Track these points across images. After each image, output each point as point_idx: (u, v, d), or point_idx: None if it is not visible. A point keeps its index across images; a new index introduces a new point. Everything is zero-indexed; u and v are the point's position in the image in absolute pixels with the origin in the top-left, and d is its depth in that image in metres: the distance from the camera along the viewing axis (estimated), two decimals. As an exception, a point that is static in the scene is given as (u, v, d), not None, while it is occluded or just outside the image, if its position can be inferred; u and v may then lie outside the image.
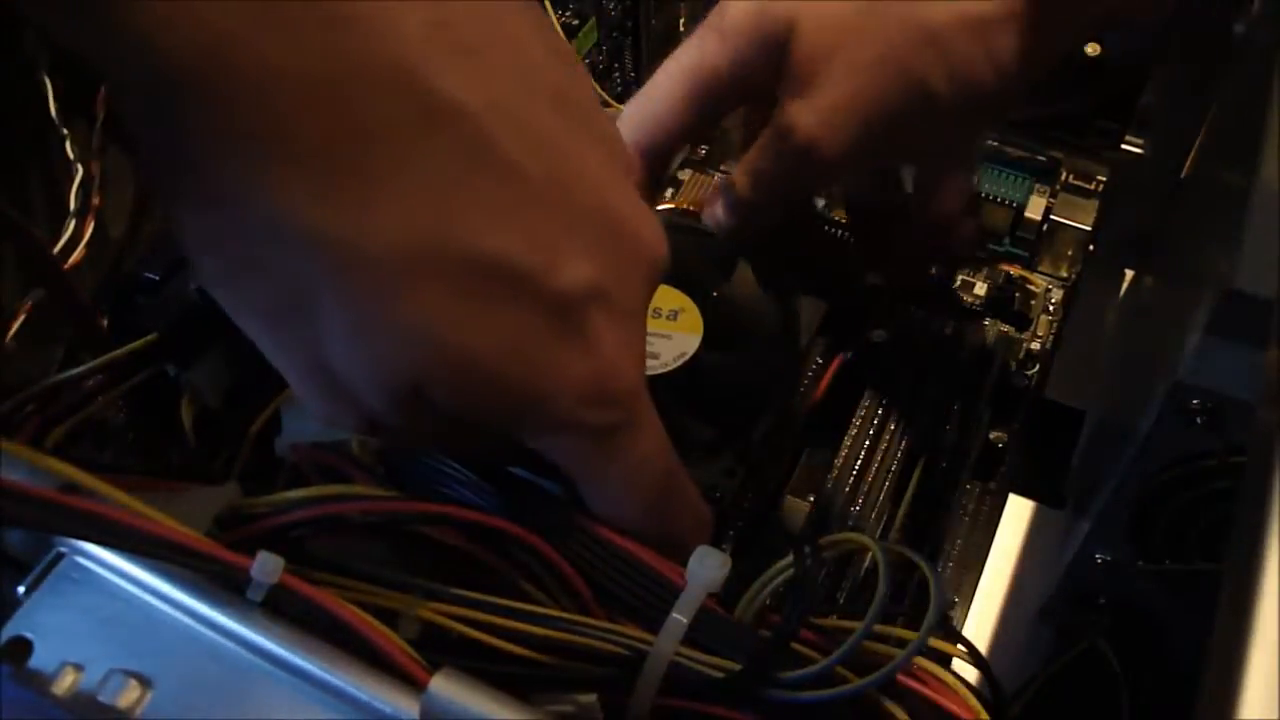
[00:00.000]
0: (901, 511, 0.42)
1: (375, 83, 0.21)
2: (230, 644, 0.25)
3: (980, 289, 0.49)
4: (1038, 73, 0.35)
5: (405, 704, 0.24)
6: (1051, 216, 0.50)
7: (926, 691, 0.26)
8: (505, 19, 0.24)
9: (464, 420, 0.25)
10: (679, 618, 0.26)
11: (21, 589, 0.26)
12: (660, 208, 0.47)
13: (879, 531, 0.41)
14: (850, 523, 0.41)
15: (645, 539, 0.28)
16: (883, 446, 0.43)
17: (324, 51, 0.21)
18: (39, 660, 0.25)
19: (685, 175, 0.52)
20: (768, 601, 0.29)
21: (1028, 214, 0.50)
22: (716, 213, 0.39)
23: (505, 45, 0.24)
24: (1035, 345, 0.48)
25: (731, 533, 0.37)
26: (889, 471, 0.43)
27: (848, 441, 0.43)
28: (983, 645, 0.40)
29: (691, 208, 0.48)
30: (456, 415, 0.25)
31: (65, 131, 0.39)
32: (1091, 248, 0.50)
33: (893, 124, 0.34)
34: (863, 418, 0.44)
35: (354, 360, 0.24)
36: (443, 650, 0.26)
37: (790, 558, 0.28)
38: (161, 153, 0.23)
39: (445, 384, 0.24)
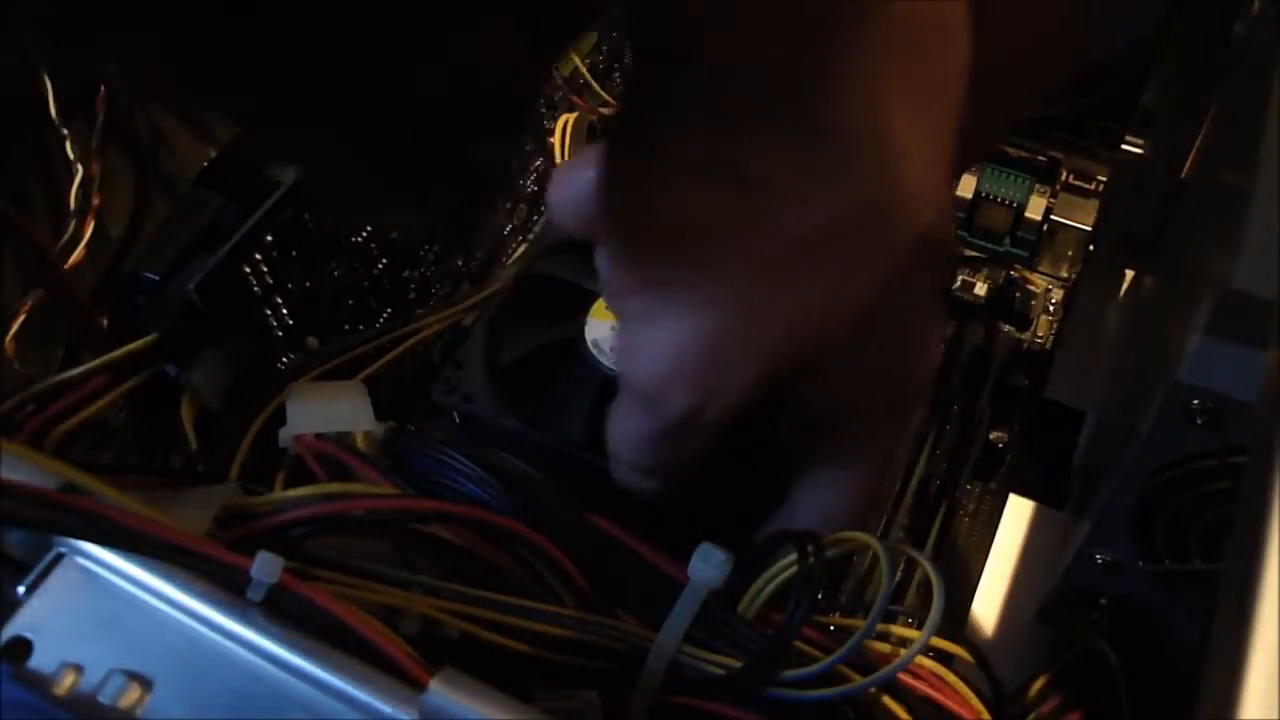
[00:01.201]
0: (902, 511, 0.42)
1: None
2: (230, 644, 0.25)
3: (980, 289, 0.49)
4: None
5: (405, 704, 0.24)
6: (1051, 216, 0.50)
7: (929, 691, 0.27)
8: None
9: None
10: (681, 614, 0.26)
11: (21, 589, 0.26)
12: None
13: (879, 531, 0.41)
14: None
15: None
16: (883, 446, 0.43)
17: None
18: (39, 660, 0.25)
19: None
20: (770, 599, 0.29)
21: (1028, 214, 0.50)
22: None
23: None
24: (1035, 345, 0.48)
25: (731, 535, 0.37)
26: (889, 471, 0.43)
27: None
28: (983, 645, 0.40)
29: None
30: (814, 406, 0.28)
31: (65, 131, 0.39)
32: (1091, 248, 0.50)
33: None
34: (863, 418, 0.44)
35: (801, 327, 0.25)
36: (443, 647, 0.26)
37: (793, 555, 0.28)
38: (667, 115, 0.24)
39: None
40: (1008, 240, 0.51)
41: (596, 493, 0.29)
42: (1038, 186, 0.50)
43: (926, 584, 0.27)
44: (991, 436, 0.44)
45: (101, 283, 0.39)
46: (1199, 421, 0.28)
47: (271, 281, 0.37)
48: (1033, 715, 0.33)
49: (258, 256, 0.36)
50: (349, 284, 0.41)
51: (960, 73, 0.25)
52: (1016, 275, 0.50)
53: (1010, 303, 0.48)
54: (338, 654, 0.25)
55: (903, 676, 0.26)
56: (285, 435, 0.31)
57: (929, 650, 0.27)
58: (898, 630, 0.27)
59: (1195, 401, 0.27)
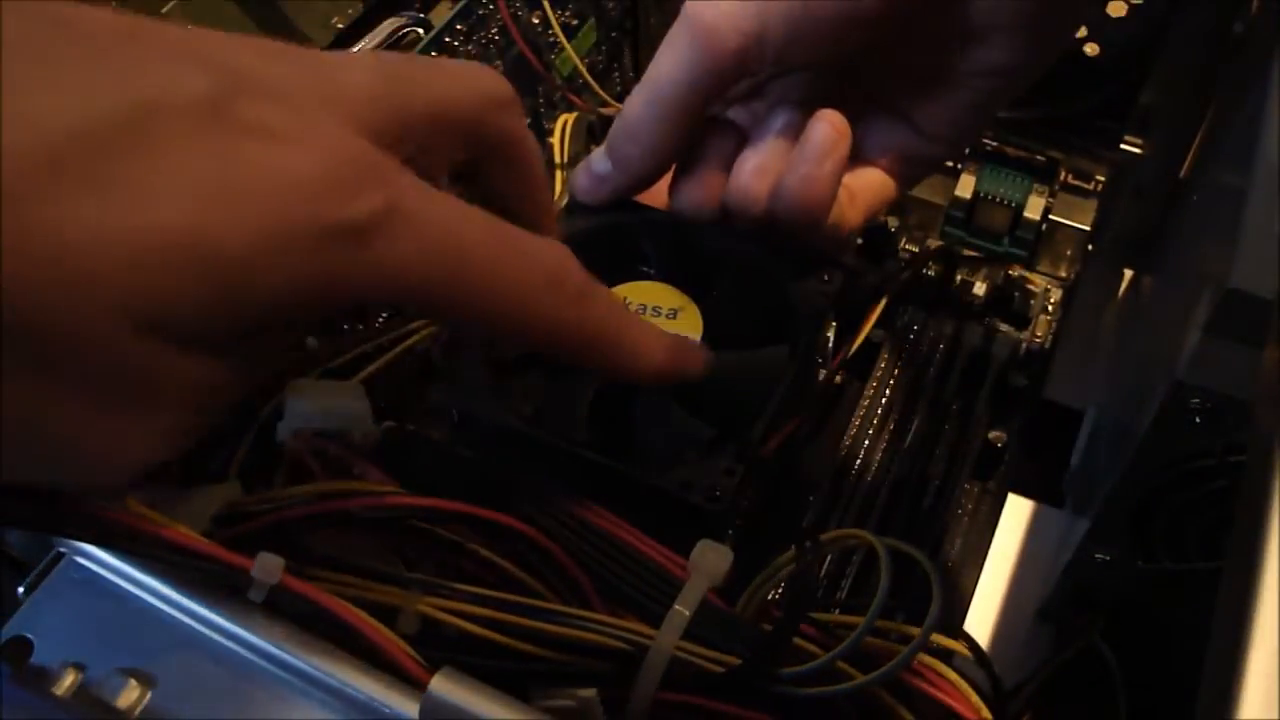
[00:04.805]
0: (901, 511, 0.42)
1: None
2: (230, 644, 0.25)
3: (980, 289, 0.49)
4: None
5: (405, 704, 0.24)
6: (1050, 216, 0.50)
7: (928, 688, 0.27)
8: None
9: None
10: (681, 610, 0.26)
11: (21, 589, 0.26)
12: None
13: (878, 531, 0.41)
14: (850, 521, 0.41)
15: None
16: (882, 446, 0.43)
17: None
18: (39, 660, 0.25)
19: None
20: (770, 596, 0.29)
21: (1026, 214, 0.50)
22: (593, 165, 0.37)
23: None
24: (1034, 345, 0.48)
25: (731, 531, 0.37)
26: (888, 470, 0.43)
27: (847, 440, 0.43)
28: (982, 645, 0.40)
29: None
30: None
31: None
32: (1090, 247, 0.50)
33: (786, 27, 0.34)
34: (862, 416, 0.44)
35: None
36: (442, 646, 0.26)
37: (792, 553, 0.28)
38: None
39: None
40: (1006, 240, 0.51)
41: (596, 489, 0.29)
42: (1036, 186, 0.50)
43: (925, 581, 0.27)
44: (990, 436, 0.44)
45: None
46: (1198, 421, 0.28)
47: (271, 281, 0.37)
48: (1030, 713, 0.33)
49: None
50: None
51: None
52: (1015, 275, 0.50)
53: (1009, 302, 0.48)
54: (338, 654, 0.25)
55: (903, 673, 0.26)
56: (284, 429, 0.31)
57: (929, 647, 0.27)
58: (898, 627, 0.27)
59: (1194, 401, 0.27)
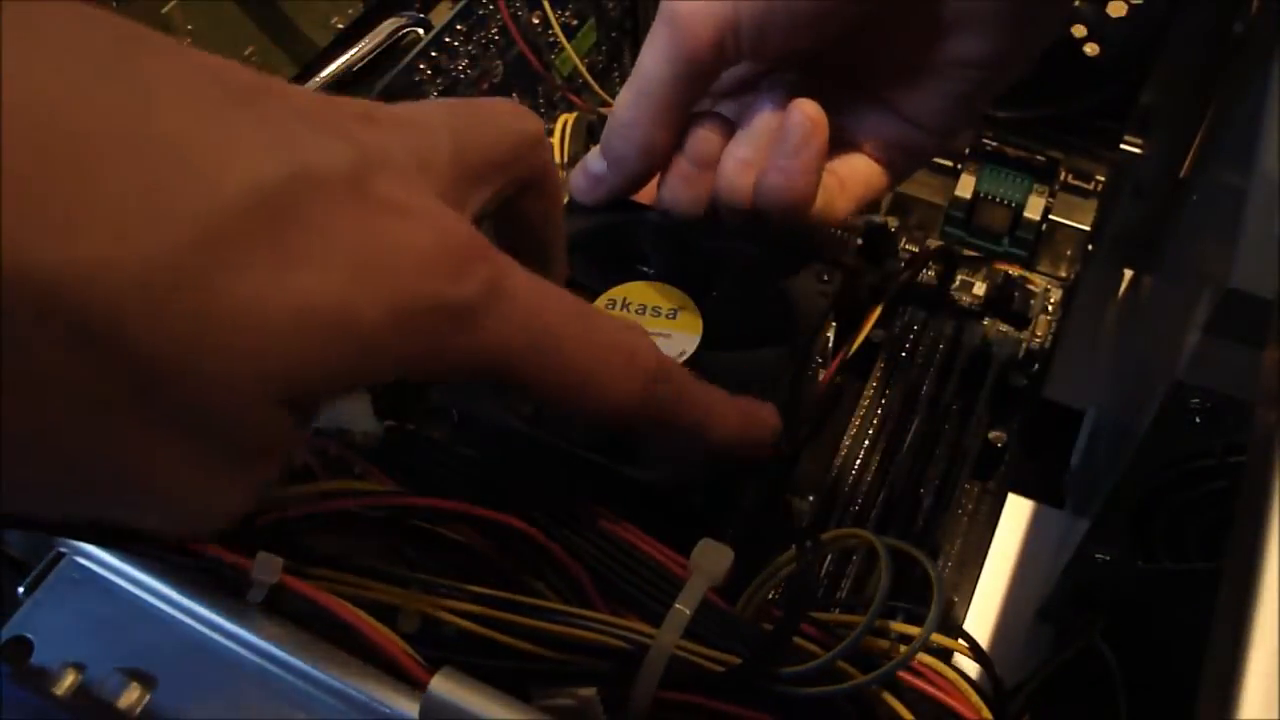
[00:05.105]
0: (900, 511, 0.42)
1: None
2: (230, 644, 0.25)
3: (979, 289, 0.49)
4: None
5: (405, 704, 0.24)
6: (1050, 216, 0.50)
7: (928, 688, 0.27)
8: None
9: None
10: (681, 609, 0.26)
11: (21, 589, 0.26)
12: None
13: (878, 531, 0.41)
14: (850, 521, 0.41)
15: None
16: (882, 446, 0.43)
17: None
18: (39, 660, 0.25)
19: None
20: (770, 596, 0.29)
21: (1026, 214, 0.50)
22: (589, 165, 0.38)
23: None
24: (1034, 345, 0.48)
25: (731, 531, 0.37)
26: (888, 471, 0.43)
27: (847, 441, 0.43)
28: (982, 645, 0.40)
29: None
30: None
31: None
32: (1090, 247, 0.50)
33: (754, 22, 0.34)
34: (862, 416, 0.44)
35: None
36: (442, 646, 0.26)
37: (792, 553, 0.28)
38: None
39: None
40: (1006, 240, 0.51)
41: (596, 490, 0.29)
42: (1036, 186, 0.50)
43: (925, 581, 0.27)
44: (990, 436, 0.44)
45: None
46: (1198, 421, 0.28)
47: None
48: (1029, 713, 0.33)
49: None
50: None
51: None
52: (1015, 275, 0.50)
53: (1009, 302, 0.48)
54: (338, 654, 0.25)
55: (903, 673, 0.26)
56: None
57: (929, 647, 0.27)
58: (897, 627, 0.27)
59: (1194, 401, 0.27)
